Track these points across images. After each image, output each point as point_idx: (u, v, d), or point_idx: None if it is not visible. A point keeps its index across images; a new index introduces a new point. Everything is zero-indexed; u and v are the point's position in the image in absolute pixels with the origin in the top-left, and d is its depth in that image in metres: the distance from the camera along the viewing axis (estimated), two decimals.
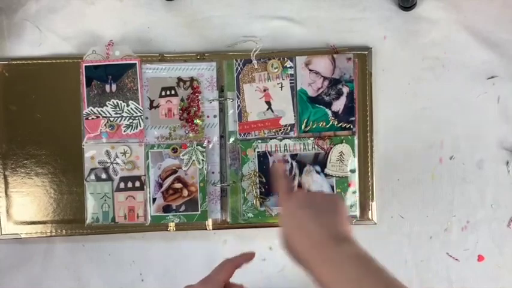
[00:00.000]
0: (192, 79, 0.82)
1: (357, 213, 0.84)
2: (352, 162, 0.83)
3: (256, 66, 0.83)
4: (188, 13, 0.86)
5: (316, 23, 0.86)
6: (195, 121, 0.82)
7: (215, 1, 0.86)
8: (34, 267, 0.85)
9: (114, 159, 0.80)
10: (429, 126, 0.85)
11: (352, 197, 0.84)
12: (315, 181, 0.84)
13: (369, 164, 0.85)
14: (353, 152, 0.84)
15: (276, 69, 0.83)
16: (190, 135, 0.82)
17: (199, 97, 0.82)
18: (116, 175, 0.81)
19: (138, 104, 0.80)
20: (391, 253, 0.86)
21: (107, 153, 0.80)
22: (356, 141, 0.84)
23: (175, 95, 0.82)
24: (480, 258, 0.84)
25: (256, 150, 0.83)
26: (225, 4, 0.86)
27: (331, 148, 0.83)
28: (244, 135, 0.83)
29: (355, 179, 0.84)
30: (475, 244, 0.82)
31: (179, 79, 0.82)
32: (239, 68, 0.83)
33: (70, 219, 0.83)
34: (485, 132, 0.85)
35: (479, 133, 0.85)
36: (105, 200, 0.81)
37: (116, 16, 0.86)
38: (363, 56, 0.85)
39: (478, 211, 0.85)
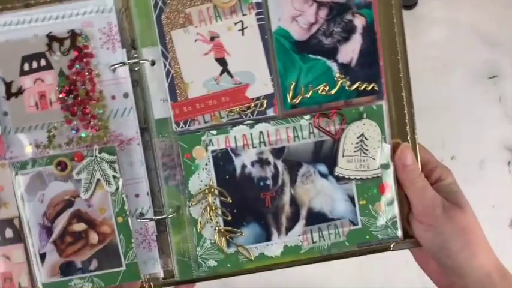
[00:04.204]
0: (73, 34, 0.44)
1: (400, 232, 0.49)
2: (383, 151, 0.47)
3: None
4: None
5: None
6: (89, 109, 0.45)
7: None
8: None
9: None
10: (430, 126, 0.81)
11: (389, 211, 0.48)
12: (320, 191, 0.47)
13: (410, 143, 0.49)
14: (383, 131, 0.47)
15: None
16: (84, 135, 0.45)
17: (92, 64, 0.45)
18: None
19: None
20: (391, 253, 0.79)
21: None
22: (386, 110, 0.47)
23: (48, 66, 0.44)
24: None
25: (210, 148, 0.46)
26: None
27: (344, 130, 0.47)
28: (184, 124, 0.46)
29: (389, 179, 0.48)
30: None
31: (51, 38, 0.44)
32: (160, 3, 0.45)
33: None
34: (486, 131, 0.85)
35: (481, 133, 0.85)
36: None
37: None
38: None
39: (479, 211, 0.79)
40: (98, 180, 0.46)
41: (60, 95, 0.45)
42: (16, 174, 0.46)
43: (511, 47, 0.87)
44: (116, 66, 0.45)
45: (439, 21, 0.87)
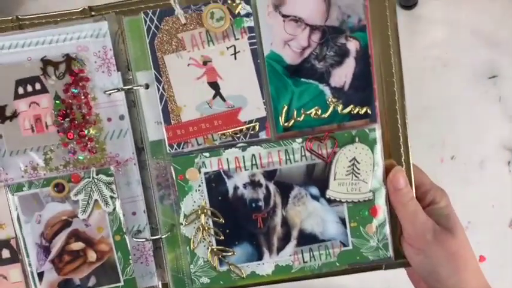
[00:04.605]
0: (68, 58, 0.45)
1: (390, 254, 0.49)
2: (375, 174, 0.47)
3: (183, 21, 0.45)
4: None
5: None
6: (86, 132, 0.46)
7: None
8: None
9: None
10: (430, 126, 0.82)
11: (380, 233, 0.49)
12: (311, 213, 0.48)
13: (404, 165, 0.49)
14: (374, 155, 0.47)
15: (221, 22, 0.45)
16: (81, 157, 0.46)
17: (88, 88, 0.45)
18: None
19: None
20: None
21: None
22: (378, 136, 0.47)
23: (43, 90, 0.45)
24: (481, 258, 0.82)
25: (203, 170, 0.47)
26: None
27: (336, 153, 0.47)
28: (178, 146, 0.47)
29: (381, 201, 0.48)
30: (476, 245, 0.70)
31: (45, 62, 0.45)
32: (153, 28, 0.45)
33: None
34: (486, 131, 0.84)
35: (481, 133, 0.84)
36: None
37: None
38: None
39: (479, 211, 0.84)
40: (96, 200, 0.47)
41: (57, 119, 0.45)
42: (12, 195, 0.47)
43: (511, 47, 0.86)
44: (111, 91, 0.45)
45: (439, 21, 0.86)
